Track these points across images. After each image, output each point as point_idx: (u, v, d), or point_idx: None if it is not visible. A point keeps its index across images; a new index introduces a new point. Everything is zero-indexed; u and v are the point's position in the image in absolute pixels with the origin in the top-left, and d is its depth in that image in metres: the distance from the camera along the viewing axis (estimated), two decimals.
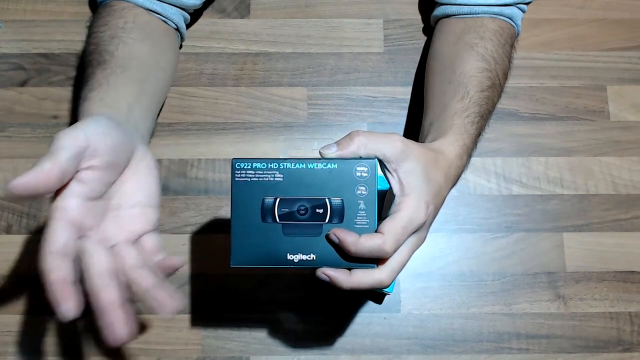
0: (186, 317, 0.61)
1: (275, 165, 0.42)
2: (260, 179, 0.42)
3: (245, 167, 0.42)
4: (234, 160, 0.42)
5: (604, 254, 0.64)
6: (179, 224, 0.64)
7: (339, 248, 0.42)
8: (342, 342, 0.61)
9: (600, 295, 0.63)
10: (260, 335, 0.61)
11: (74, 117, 0.66)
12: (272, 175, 0.42)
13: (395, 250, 0.42)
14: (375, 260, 0.42)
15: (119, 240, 0.42)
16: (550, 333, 0.62)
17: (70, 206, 0.39)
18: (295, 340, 0.61)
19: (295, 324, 0.62)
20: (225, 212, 0.64)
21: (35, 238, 0.63)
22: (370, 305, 0.62)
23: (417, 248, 0.45)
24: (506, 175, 0.66)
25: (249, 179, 0.42)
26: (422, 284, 0.63)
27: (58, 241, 0.38)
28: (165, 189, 0.65)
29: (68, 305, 0.37)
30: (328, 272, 0.42)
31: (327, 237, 0.42)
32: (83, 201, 0.40)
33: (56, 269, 0.37)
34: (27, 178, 0.37)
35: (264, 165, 0.42)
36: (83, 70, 0.56)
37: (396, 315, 0.62)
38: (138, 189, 0.44)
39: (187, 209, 0.64)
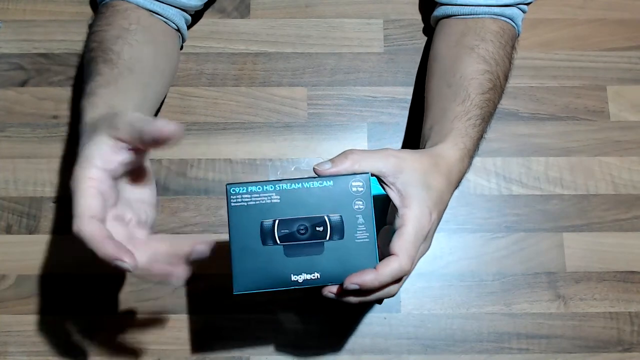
0: (186, 317, 0.62)
1: (271, 187, 0.42)
2: (256, 202, 0.42)
3: (240, 191, 0.42)
4: (229, 186, 0.42)
5: (604, 254, 0.64)
6: (179, 224, 0.64)
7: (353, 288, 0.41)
8: (342, 342, 0.61)
9: (600, 295, 0.63)
10: (260, 335, 0.61)
11: (75, 116, 0.67)
12: (269, 197, 0.42)
13: (413, 266, 0.43)
14: None
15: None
16: (550, 333, 0.62)
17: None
18: (295, 340, 0.61)
19: (295, 324, 0.62)
20: (225, 211, 0.64)
21: (35, 238, 0.64)
22: (371, 305, 0.62)
23: (422, 255, 0.45)
24: (506, 175, 0.66)
25: (245, 203, 0.42)
26: (422, 284, 0.63)
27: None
28: (165, 189, 0.65)
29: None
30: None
31: (347, 290, 0.41)
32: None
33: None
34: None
35: (259, 188, 0.42)
36: (85, 65, 0.56)
37: (396, 315, 0.62)
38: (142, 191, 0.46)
39: (187, 209, 0.64)
